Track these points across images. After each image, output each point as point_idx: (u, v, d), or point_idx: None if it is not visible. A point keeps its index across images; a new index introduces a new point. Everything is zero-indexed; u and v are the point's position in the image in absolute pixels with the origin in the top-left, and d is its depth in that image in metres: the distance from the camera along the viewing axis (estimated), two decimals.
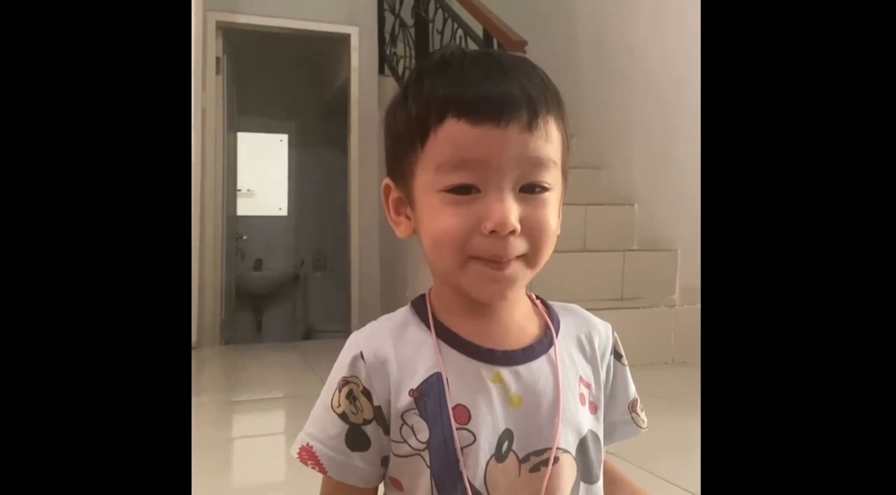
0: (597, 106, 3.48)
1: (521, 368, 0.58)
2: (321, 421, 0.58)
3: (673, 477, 1.43)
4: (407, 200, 0.59)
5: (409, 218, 0.60)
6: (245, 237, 5.63)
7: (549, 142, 0.55)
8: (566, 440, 0.58)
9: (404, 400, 0.56)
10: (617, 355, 0.65)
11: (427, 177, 0.55)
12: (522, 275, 0.56)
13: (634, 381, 0.66)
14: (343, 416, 0.56)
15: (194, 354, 3.34)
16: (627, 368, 0.65)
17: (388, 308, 0.63)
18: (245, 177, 5.56)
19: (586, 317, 0.65)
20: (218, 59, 4.00)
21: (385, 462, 0.57)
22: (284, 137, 5.86)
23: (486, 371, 0.57)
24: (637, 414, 0.66)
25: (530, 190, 0.55)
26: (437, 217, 0.55)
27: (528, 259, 0.56)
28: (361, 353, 0.57)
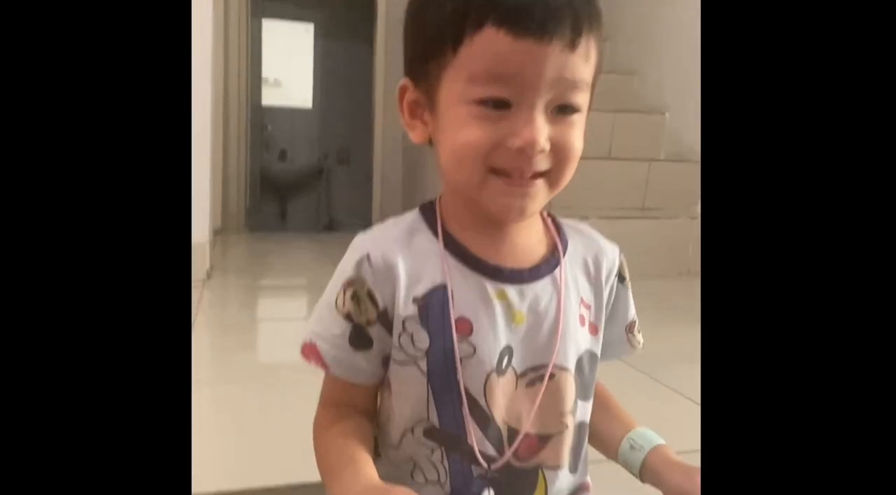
0: (633, 8, 3.33)
1: (527, 287, 0.58)
2: (325, 319, 0.58)
3: (678, 386, 1.46)
4: (427, 104, 0.57)
5: (425, 123, 0.57)
6: (270, 127, 5.61)
7: (588, 62, 0.53)
8: (565, 357, 0.58)
9: (408, 307, 0.56)
10: (621, 278, 0.64)
11: (457, 87, 0.52)
12: (543, 194, 0.55)
13: (649, 291, 0.66)
14: (347, 317, 0.56)
15: (219, 239, 3.41)
16: (629, 290, 0.65)
17: (410, 206, 0.64)
18: (271, 67, 5.47)
19: (595, 239, 0.65)
20: None
21: (386, 362, 0.58)
22: (310, 27, 5.71)
23: (490, 287, 0.57)
24: (633, 335, 0.66)
25: (561, 110, 0.53)
26: (462, 129, 0.52)
27: (551, 178, 0.54)
28: (368, 255, 0.57)
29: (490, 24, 0.50)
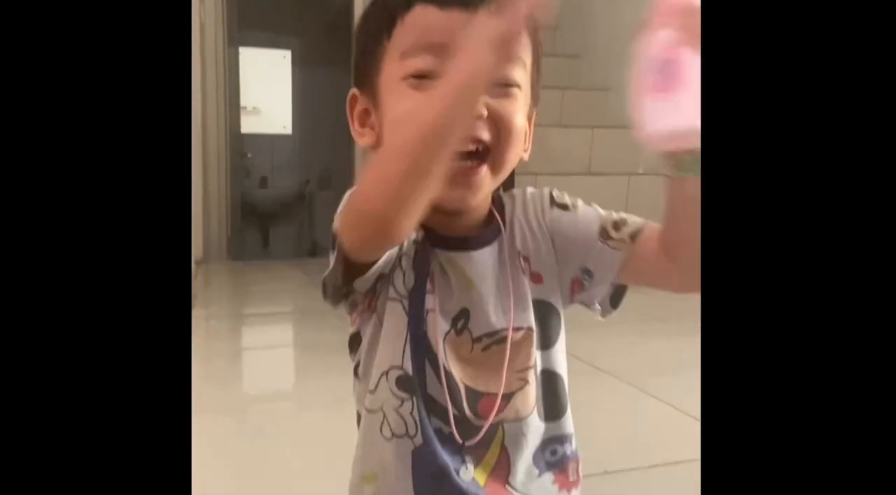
0: (607, 26, 3.38)
1: (475, 254, 0.60)
2: None
3: (668, 398, 1.47)
4: (372, 105, 0.59)
5: (373, 127, 0.60)
6: (250, 155, 5.61)
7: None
8: (520, 317, 0.60)
9: (409, 245, 0.58)
10: (560, 206, 0.63)
11: (392, 68, 0.55)
12: (488, 182, 0.57)
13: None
14: None
15: (201, 269, 3.38)
16: (579, 210, 0.63)
17: None
18: (249, 95, 5.48)
19: (524, 191, 0.65)
20: None
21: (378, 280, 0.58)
22: (287, 54, 5.74)
23: (443, 254, 0.59)
24: (610, 239, 0.62)
25: (496, 85, 0.54)
26: (398, 104, 0.55)
27: (493, 159, 0.56)
28: None
29: (419, 1, 0.54)
